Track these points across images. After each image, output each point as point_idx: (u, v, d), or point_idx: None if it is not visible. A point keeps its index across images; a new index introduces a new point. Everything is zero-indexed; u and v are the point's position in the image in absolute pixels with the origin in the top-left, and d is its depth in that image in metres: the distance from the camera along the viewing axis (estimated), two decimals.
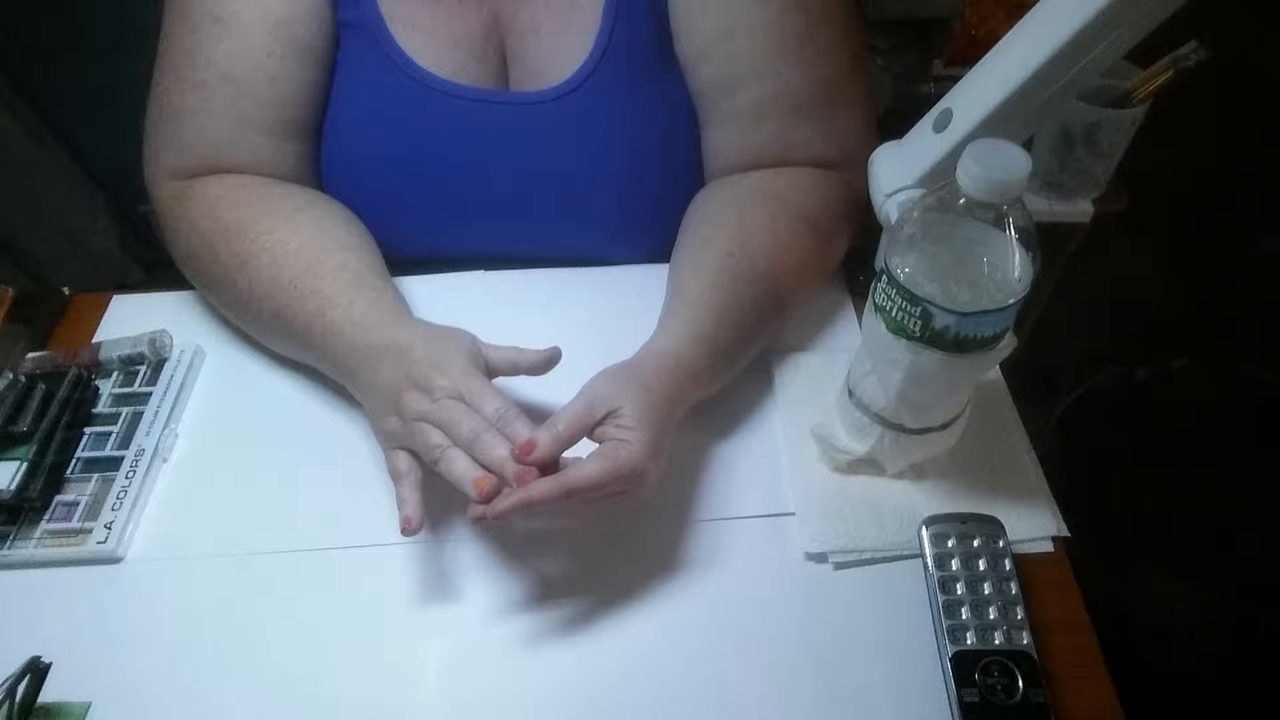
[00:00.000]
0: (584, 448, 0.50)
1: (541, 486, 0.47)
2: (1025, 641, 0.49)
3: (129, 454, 0.59)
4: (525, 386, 0.59)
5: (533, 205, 0.67)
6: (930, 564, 0.52)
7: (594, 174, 0.66)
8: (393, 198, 0.67)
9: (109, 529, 0.55)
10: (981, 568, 0.52)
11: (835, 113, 0.63)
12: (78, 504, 0.57)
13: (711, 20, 0.60)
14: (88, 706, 0.49)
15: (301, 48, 0.61)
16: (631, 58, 0.62)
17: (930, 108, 0.56)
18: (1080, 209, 0.82)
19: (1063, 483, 0.57)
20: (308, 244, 0.59)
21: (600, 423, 0.50)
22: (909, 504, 0.56)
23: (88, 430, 0.61)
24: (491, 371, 0.54)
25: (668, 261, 0.64)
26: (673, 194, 0.67)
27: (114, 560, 0.55)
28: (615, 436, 0.49)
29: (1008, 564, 0.52)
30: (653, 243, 0.69)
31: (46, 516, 0.57)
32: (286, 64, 0.61)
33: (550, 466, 0.48)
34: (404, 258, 0.69)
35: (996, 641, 0.49)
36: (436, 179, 0.66)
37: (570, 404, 0.50)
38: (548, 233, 0.70)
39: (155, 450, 0.60)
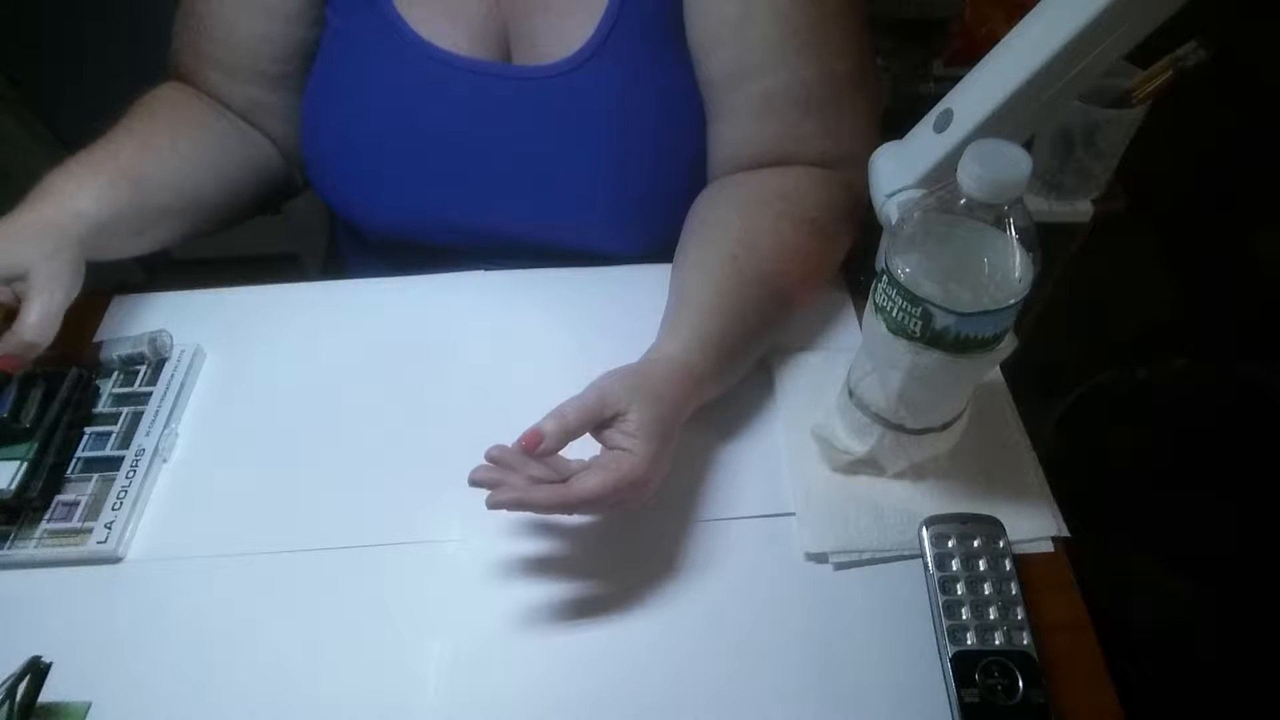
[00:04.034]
0: (583, 445, 0.50)
1: (542, 495, 0.47)
2: (1025, 642, 0.49)
3: (129, 454, 0.59)
4: (523, 387, 0.59)
5: (530, 182, 0.67)
6: (930, 564, 0.52)
7: (594, 152, 0.66)
8: (384, 166, 0.68)
9: (109, 529, 0.55)
10: (981, 568, 0.52)
11: (842, 110, 0.63)
12: (78, 504, 0.57)
13: (726, 6, 0.60)
14: (88, 706, 0.49)
15: (261, 2, 0.66)
16: (639, 37, 0.62)
17: (930, 108, 0.56)
18: (1080, 209, 0.82)
19: (1063, 483, 0.57)
20: (135, 153, 0.64)
21: (608, 424, 0.50)
22: (909, 504, 0.56)
23: (88, 430, 0.61)
24: None
25: (666, 260, 0.64)
26: (672, 181, 0.67)
27: (114, 560, 0.55)
28: (619, 444, 0.49)
29: (1008, 564, 0.52)
30: (650, 234, 0.69)
31: (47, 516, 0.56)
32: (239, 13, 0.66)
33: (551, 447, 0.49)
34: (391, 230, 0.70)
35: (996, 642, 0.49)
36: (432, 150, 0.67)
37: (581, 396, 0.50)
38: (544, 213, 0.69)
39: (155, 450, 0.60)
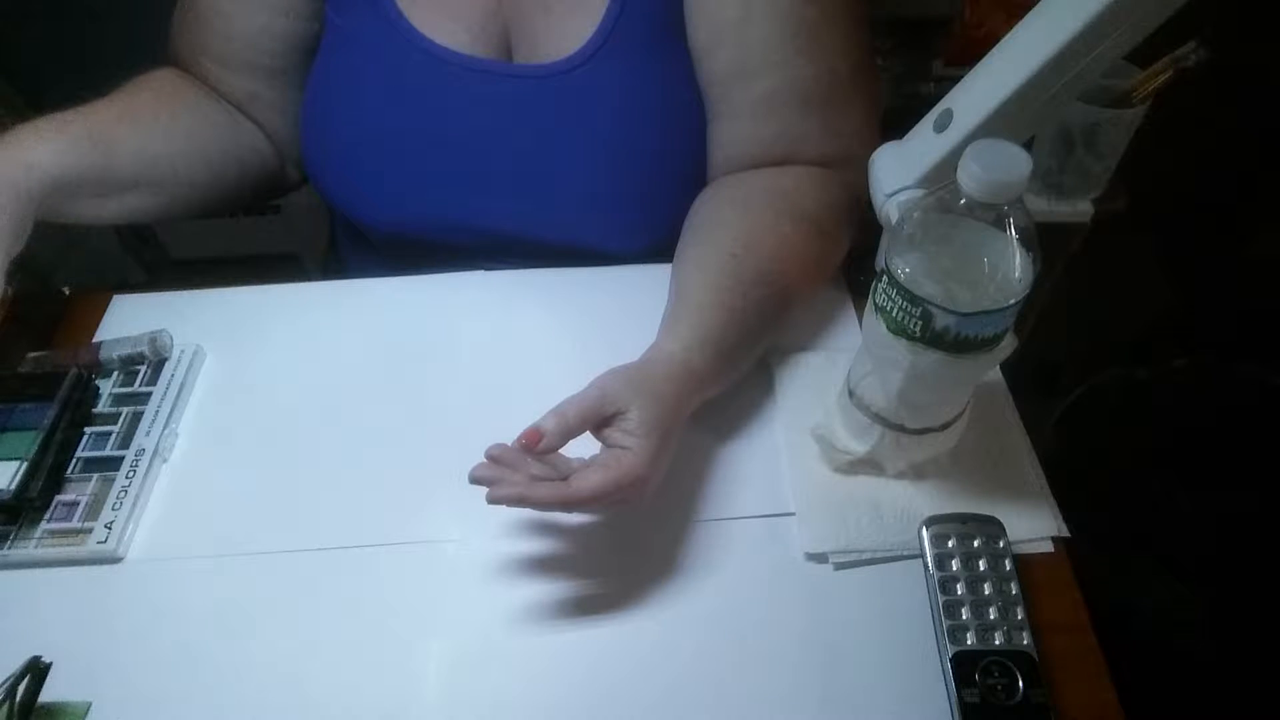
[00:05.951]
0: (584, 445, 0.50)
1: (542, 491, 0.47)
2: (1025, 642, 0.49)
3: (129, 454, 0.59)
4: (523, 387, 0.59)
5: (530, 181, 0.67)
6: (930, 564, 0.52)
7: (594, 152, 0.66)
8: (384, 164, 0.68)
9: (109, 529, 0.55)
10: (982, 568, 0.52)
11: (842, 110, 0.63)
12: (78, 504, 0.57)
13: (726, 6, 0.60)
14: (88, 706, 0.49)
15: None
16: (640, 37, 0.62)
17: (930, 108, 0.56)
18: (1080, 209, 0.82)
19: (1063, 483, 0.57)
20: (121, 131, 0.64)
21: (608, 422, 0.50)
22: (909, 504, 0.56)
23: (88, 430, 0.61)
24: None
25: (666, 260, 0.64)
26: (672, 181, 0.67)
27: (114, 560, 0.55)
28: (619, 443, 0.49)
29: (1008, 564, 0.52)
30: (650, 233, 0.69)
31: (47, 516, 0.56)
32: (237, 5, 0.67)
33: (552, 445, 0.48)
34: (391, 228, 0.70)
35: (997, 642, 0.49)
36: (432, 148, 0.67)
37: (582, 394, 0.50)
38: (544, 211, 0.69)
39: (155, 450, 0.60)
